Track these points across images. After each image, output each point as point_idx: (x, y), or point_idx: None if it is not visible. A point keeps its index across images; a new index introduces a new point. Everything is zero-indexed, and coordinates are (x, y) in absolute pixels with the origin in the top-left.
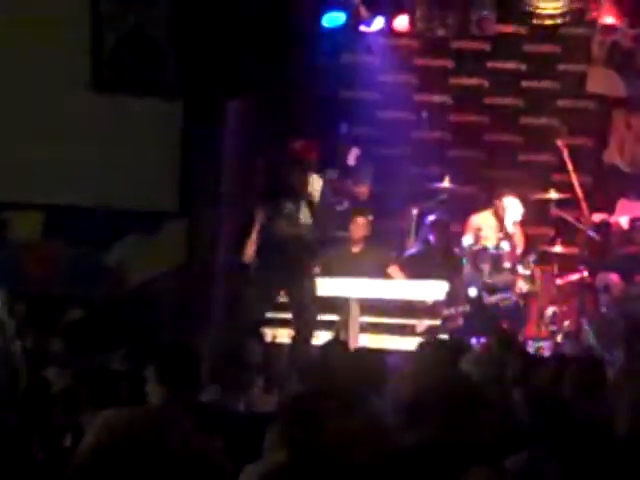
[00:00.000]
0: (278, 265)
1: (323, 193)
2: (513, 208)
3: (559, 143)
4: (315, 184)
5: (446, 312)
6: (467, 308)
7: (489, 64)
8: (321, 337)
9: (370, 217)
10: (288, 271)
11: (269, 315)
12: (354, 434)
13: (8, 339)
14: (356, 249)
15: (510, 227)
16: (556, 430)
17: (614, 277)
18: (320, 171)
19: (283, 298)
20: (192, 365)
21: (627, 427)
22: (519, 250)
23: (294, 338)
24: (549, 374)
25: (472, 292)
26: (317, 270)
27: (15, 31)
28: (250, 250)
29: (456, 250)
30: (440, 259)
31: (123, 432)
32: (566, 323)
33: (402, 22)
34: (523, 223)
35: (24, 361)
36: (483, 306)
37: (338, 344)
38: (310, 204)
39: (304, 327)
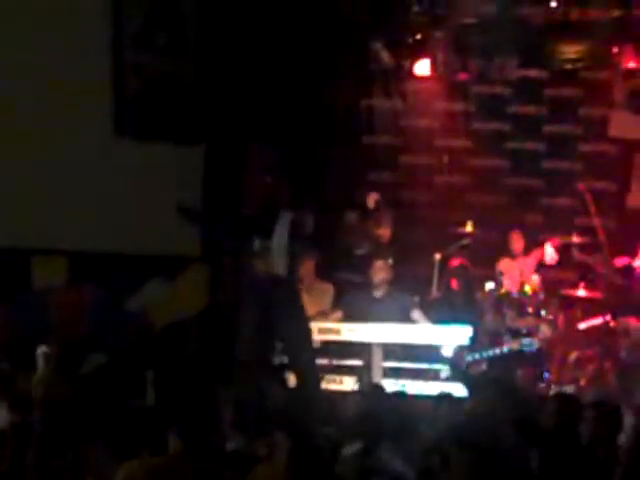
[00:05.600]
0: (256, 305)
1: (291, 231)
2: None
3: (581, 187)
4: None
5: (469, 357)
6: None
7: (510, 108)
8: (344, 382)
9: (390, 261)
10: (269, 311)
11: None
12: None
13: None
14: (378, 293)
15: (531, 271)
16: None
17: (633, 321)
18: (295, 208)
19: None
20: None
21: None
22: (541, 295)
23: (297, 384)
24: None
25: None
26: (308, 311)
27: (37, 76)
28: None
29: (478, 295)
30: (462, 304)
31: None
32: (590, 368)
33: (423, 66)
34: (545, 267)
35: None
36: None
37: (379, 390)
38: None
39: (308, 371)
